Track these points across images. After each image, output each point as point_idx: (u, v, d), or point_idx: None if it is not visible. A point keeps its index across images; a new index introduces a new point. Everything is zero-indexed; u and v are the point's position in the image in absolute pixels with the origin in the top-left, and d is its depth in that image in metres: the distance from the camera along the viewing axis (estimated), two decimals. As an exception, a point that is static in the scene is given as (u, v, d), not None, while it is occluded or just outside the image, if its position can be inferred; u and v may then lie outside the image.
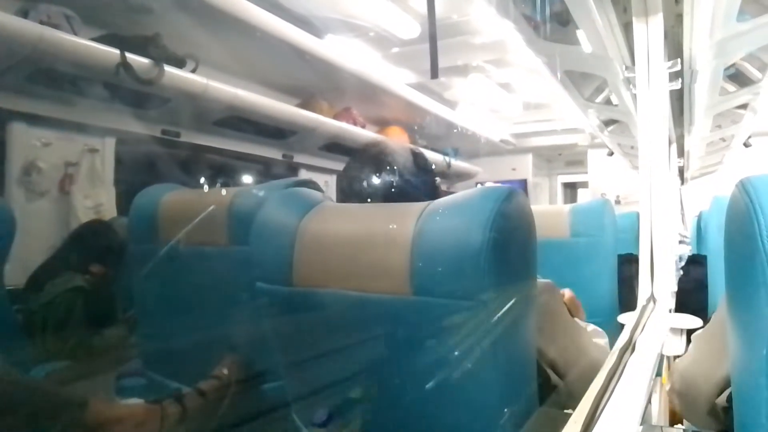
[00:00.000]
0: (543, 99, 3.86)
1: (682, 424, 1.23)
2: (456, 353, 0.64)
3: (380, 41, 2.60)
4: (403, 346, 0.69)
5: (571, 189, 6.08)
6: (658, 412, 1.29)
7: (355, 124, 3.00)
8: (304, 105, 2.70)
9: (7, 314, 1.30)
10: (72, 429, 0.66)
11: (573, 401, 0.65)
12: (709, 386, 0.78)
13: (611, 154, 3.68)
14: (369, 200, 0.83)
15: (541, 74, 1.82)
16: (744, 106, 2.25)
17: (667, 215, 1.27)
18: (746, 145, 3.40)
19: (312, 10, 2.24)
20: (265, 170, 2.78)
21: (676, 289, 1.93)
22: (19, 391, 0.62)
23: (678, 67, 1.30)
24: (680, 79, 1.35)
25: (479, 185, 1.11)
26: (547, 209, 2.20)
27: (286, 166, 2.82)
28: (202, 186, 2.16)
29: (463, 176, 4.59)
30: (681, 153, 3.08)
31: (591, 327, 1.10)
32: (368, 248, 0.71)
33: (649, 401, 0.84)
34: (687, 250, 2.48)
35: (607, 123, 2.59)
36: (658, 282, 1.24)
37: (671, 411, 1.33)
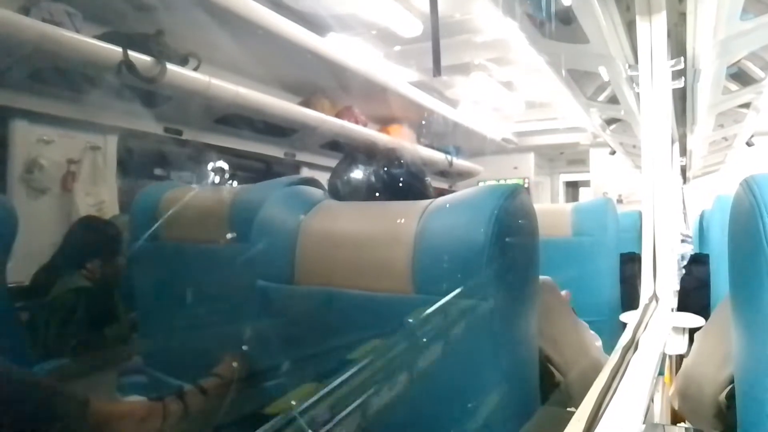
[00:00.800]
0: (545, 98, 3.85)
1: (684, 422, 1.22)
2: (458, 351, 0.64)
3: (383, 39, 2.61)
4: (405, 345, 0.69)
5: (573, 188, 6.08)
6: (660, 411, 1.29)
7: (356, 122, 2.99)
8: (305, 103, 2.70)
9: (9, 312, 1.30)
10: (74, 426, 0.66)
11: (574, 399, 0.65)
12: (710, 384, 0.78)
13: (613, 153, 3.68)
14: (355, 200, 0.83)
15: (543, 73, 1.82)
16: (747, 105, 2.25)
17: (669, 214, 1.27)
18: (749, 144, 3.39)
19: (314, 7, 2.24)
20: (267, 168, 2.78)
21: (678, 288, 1.93)
22: (21, 389, 0.62)
23: (681, 66, 1.30)
24: (683, 78, 1.35)
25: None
26: (550, 208, 2.20)
27: (287, 165, 2.82)
28: (204, 184, 2.16)
29: (464, 175, 4.58)
30: (683, 152, 3.08)
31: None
32: (370, 246, 0.71)
33: (651, 400, 0.84)
34: (689, 249, 2.47)
35: (609, 122, 2.59)
36: (661, 281, 1.24)
37: (673, 410, 1.33)
